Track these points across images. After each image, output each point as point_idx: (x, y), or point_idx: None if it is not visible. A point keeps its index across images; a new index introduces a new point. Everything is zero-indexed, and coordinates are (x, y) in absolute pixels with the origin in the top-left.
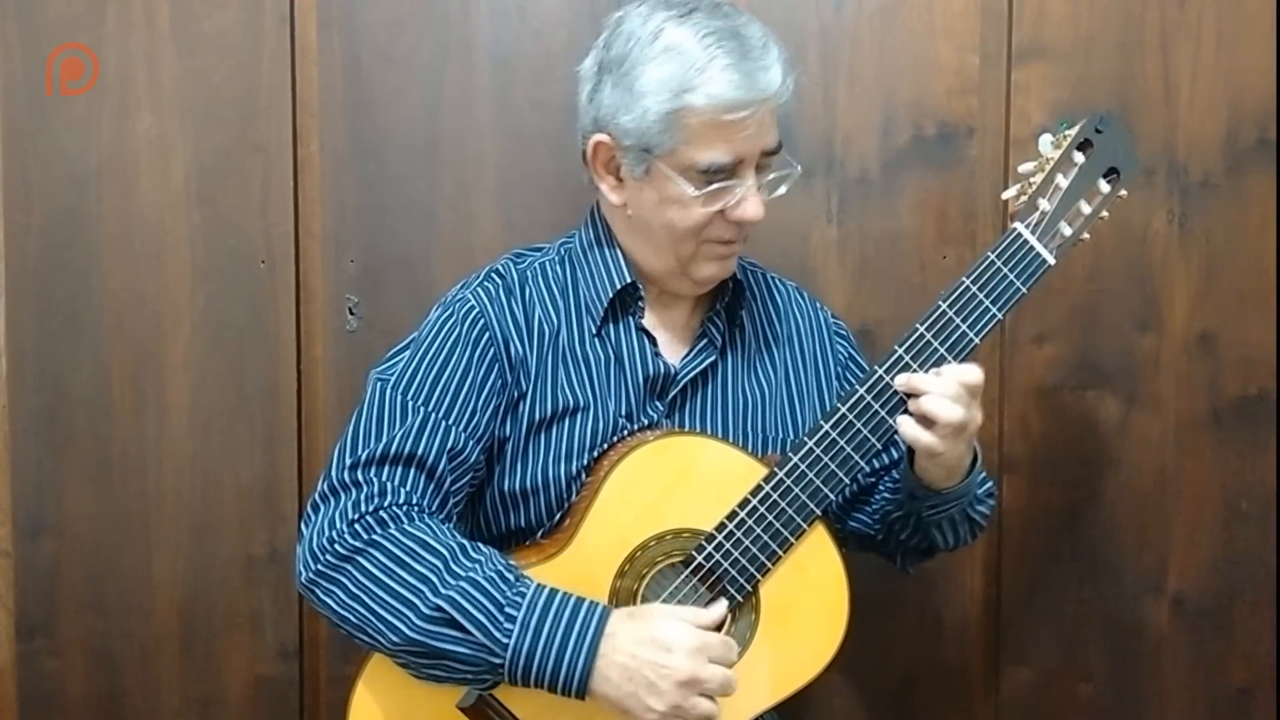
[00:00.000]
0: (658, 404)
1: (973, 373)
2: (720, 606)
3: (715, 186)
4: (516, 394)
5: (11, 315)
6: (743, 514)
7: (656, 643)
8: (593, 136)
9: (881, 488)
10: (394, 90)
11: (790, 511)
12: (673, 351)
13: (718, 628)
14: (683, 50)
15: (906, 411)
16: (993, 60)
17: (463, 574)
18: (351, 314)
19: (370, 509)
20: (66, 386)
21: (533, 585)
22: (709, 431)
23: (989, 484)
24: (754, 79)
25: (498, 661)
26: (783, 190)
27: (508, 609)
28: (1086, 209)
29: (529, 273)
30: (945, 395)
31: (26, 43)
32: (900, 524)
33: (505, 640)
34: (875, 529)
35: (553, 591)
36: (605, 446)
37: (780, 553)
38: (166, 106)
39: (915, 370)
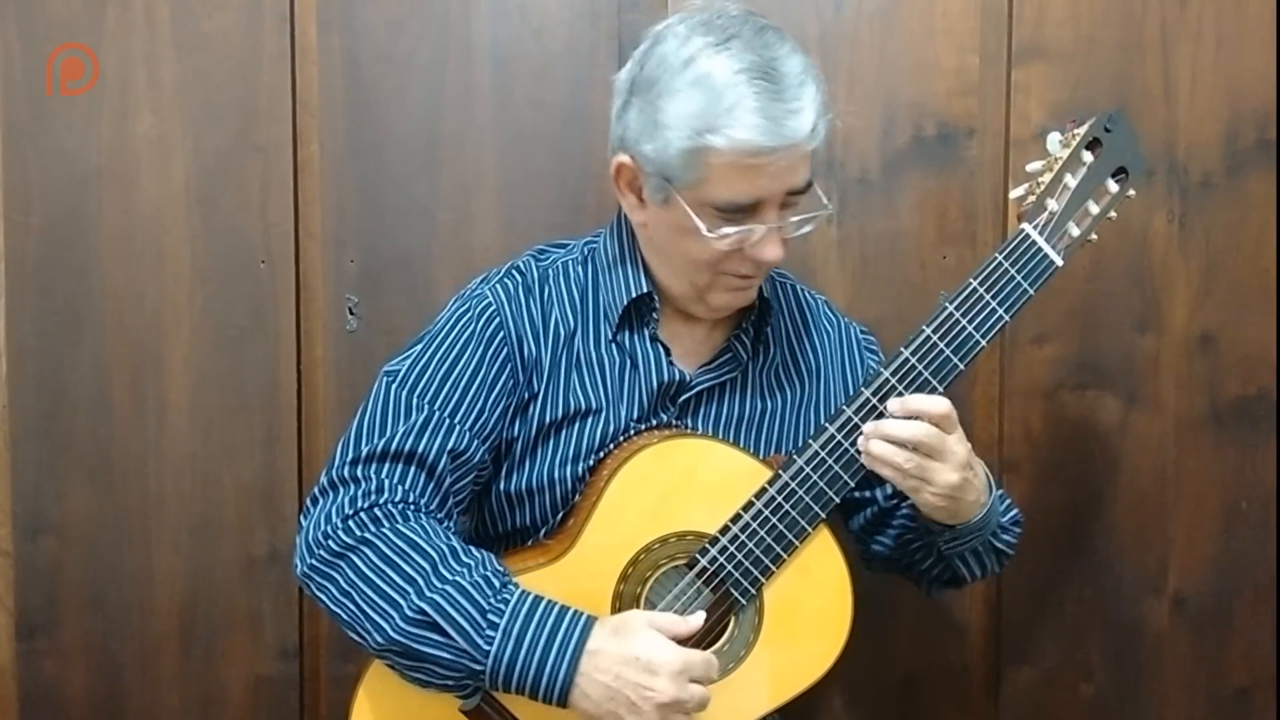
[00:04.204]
0: (670, 407)
1: (909, 427)
2: (698, 617)
3: (731, 230)
4: (527, 395)
5: (11, 315)
6: (747, 516)
7: (640, 664)
8: (617, 156)
9: (900, 512)
10: (394, 90)
11: (794, 514)
12: (690, 361)
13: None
14: (711, 86)
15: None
16: (993, 60)
17: (450, 578)
18: (351, 314)
19: (366, 505)
20: (66, 386)
21: (517, 592)
22: (718, 436)
23: (1014, 512)
24: (781, 125)
25: (478, 668)
26: (808, 229)
27: (490, 615)
28: (1095, 209)
29: (550, 271)
30: (896, 439)
31: (26, 43)
32: (921, 553)
33: (486, 647)
34: (896, 554)
35: (537, 599)
36: (612, 447)
37: (784, 555)
38: (166, 107)
39: (922, 371)
